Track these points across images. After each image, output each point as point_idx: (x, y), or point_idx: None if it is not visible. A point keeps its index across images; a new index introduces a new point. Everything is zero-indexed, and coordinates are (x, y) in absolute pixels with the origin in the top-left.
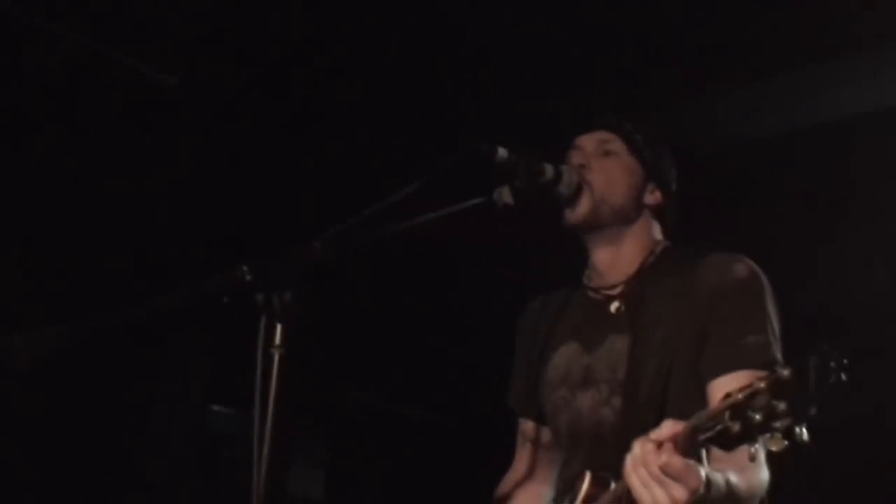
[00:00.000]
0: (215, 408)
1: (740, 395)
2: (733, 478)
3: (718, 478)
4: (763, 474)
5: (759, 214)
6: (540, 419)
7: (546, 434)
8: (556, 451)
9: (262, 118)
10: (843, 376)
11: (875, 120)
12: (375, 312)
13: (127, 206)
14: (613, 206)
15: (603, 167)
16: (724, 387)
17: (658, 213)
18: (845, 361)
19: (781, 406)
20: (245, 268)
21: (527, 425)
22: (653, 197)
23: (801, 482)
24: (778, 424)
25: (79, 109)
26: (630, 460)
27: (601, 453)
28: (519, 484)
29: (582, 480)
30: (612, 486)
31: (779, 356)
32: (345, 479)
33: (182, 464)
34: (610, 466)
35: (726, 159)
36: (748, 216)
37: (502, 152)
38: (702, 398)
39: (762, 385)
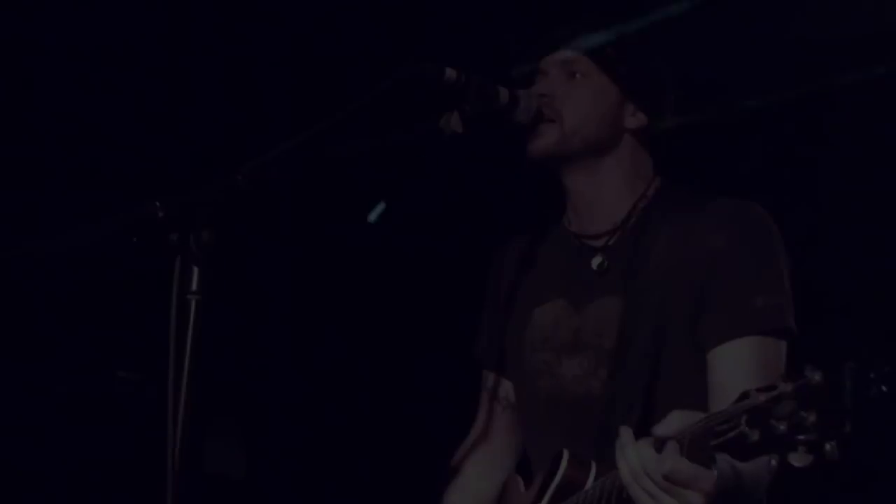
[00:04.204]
0: (121, 373)
1: (761, 398)
2: (740, 466)
3: (727, 470)
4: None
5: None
6: (507, 376)
7: (513, 393)
8: (521, 414)
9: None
10: (885, 388)
11: None
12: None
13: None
14: (586, 137)
15: (569, 93)
16: (728, 355)
17: (644, 138)
18: (887, 370)
19: (811, 418)
20: (157, 203)
21: (494, 381)
22: (634, 119)
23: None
24: (804, 438)
25: None
26: (627, 470)
27: (583, 427)
28: (475, 452)
29: (559, 460)
30: (593, 469)
31: (792, 322)
32: (269, 454)
33: (80, 433)
34: (591, 442)
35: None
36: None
37: (450, 73)
38: (700, 370)
39: (788, 389)
